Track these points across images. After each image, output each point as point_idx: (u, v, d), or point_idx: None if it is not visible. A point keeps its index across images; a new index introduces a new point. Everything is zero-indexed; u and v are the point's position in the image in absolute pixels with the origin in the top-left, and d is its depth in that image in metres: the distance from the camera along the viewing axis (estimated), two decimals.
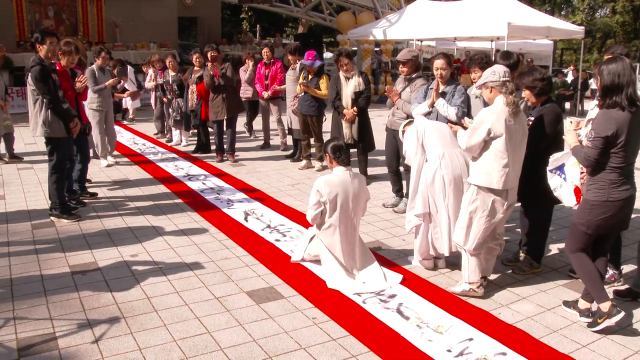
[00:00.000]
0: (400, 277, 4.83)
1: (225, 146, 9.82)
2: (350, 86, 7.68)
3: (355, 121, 7.72)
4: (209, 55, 9.26)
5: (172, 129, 11.09)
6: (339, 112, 7.83)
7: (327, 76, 8.73)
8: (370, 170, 8.43)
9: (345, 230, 4.78)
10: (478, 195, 4.36)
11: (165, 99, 10.85)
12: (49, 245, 5.56)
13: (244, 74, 10.78)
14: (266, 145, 10.96)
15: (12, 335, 3.85)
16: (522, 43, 21.55)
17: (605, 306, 3.92)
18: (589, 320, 4.08)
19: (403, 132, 5.39)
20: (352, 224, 4.85)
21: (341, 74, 7.84)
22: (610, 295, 4.22)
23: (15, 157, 9.49)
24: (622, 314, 3.89)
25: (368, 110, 7.91)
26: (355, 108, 7.65)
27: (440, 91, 5.84)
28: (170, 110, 10.69)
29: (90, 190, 7.39)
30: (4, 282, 4.68)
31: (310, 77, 8.67)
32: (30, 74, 6.09)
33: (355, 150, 8.00)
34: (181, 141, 10.98)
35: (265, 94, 10.41)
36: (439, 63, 5.84)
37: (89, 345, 3.72)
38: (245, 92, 10.87)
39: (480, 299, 4.45)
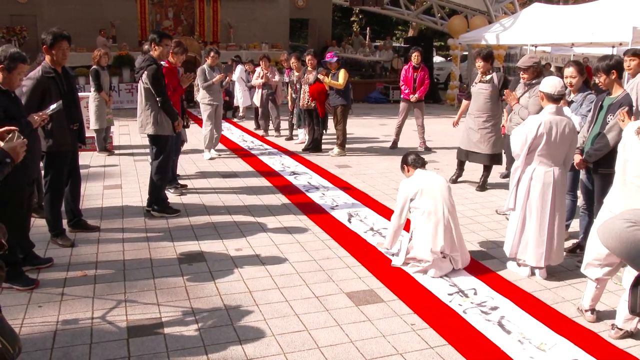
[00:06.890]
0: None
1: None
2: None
3: None
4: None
5: (301, 128, 11.31)
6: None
7: (345, 70, 9.85)
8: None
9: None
10: None
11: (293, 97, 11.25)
12: (159, 234, 5.81)
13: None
14: (394, 146, 10.90)
15: (122, 316, 4.05)
16: None
17: None
18: None
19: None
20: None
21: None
22: None
23: (105, 150, 9.73)
24: None
25: None
26: None
27: (569, 100, 5.63)
28: (296, 109, 11.05)
29: (182, 182, 7.72)
30: (118, 266, 4.95)
31: (332, 72, 9.82)
32: (146, 72, 6.15)
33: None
34: (306, 139, 11.10)
35: (413, 97, 10.57)
36: (568, 71, 5.65)
37: (192, 332, 3.86)
38: None
39: None
